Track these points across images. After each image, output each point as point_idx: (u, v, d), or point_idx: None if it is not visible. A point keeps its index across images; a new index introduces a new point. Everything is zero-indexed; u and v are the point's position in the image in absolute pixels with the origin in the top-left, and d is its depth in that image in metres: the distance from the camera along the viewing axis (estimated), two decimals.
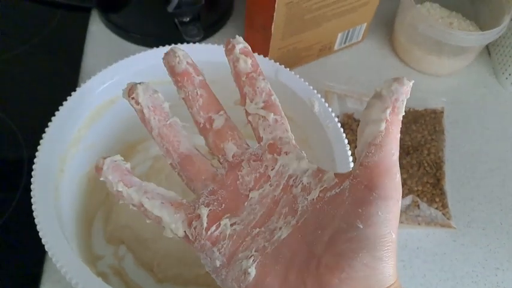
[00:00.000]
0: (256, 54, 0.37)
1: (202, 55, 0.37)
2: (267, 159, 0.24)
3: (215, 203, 0.24)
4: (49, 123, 0.31)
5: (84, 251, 0.36)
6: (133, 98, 0.24)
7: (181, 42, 0.37)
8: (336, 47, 0.53)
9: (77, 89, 0.33)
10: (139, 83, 0.24)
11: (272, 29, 0.45)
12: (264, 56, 0.37)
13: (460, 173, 0.47)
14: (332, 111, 0.34)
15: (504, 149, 0.49)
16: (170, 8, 0.45)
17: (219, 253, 0.22)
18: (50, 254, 0.27)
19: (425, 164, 0.45)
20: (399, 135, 0.21)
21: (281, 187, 0.23)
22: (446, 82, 0.54)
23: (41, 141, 0.30)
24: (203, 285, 0.37)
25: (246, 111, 0.25)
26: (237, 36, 0.25)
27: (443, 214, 0.42)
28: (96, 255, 0.38)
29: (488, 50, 0.57)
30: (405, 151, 0.46)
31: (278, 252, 0.21)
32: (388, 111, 0.20)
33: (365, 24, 0.52)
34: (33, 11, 0.54)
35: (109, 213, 0.39)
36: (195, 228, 0.23)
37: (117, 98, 0.35)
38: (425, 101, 0.50)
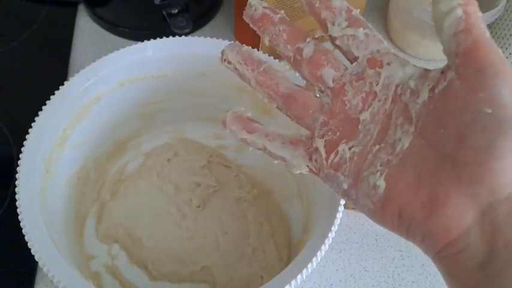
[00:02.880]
0: (244, 45, 0.36)
1: (192, 48, 0.36)
2: (370, 75, 0.23)
3: (329, 133, 0.24)
4: (32, 124, 0.30)
5: (76, 251, 0.36)
6: (225, 60, 0.26)
7: (169, 35, 0.36)
8: None
9: (60, 87, 0.32)
10: (226, 46, 0.26)
11: None
12: (256, 46, 0.36)
13: None
14: None
15: None
16: (157, 0, 0.44)
17: (344, 176, 0.23)
18: (36, 257, 0.26)
19: None
20: (480, 13, 0.20)
21: (390, 99, 0.23)
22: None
23: (24, 143, 0.30)
24: (199, 281, 0.37)
25: (331, 37, 0.24)
26: None
27: None
28: (89, 255, 0.37)
29: None
30: None
31: (404, 162, 0.21)
32: None
33: (358, 10, 0.51)
34: (19, 8, 0.53)
35: (101, 212, 0.39)
36: (315, 160, 0.24)
37: (102, 95, 0.34)
38: None
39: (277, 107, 0.26)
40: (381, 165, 0.22)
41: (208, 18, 0.52)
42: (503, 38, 0.52)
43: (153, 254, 0.37)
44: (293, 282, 0.26)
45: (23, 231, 0.27)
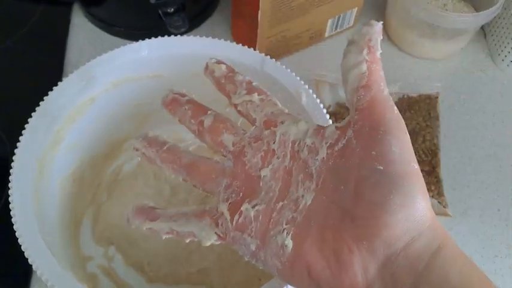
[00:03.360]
0: (240, 45, 0.36)
1: (188, 48, 0.36)
2: (266, 135, 0.25)
3: (233, 195, 0.24)
4: (25, 126, 0.30)
5: (72, 253, 0.35)
6: (135, 150, 0.27)
7: (165, 35, 0.36)
8: (326, 34, 0.52)
9: (53, 88, 0.31)
10: (135, 138, 0.28)
11: (259, 17, 0.43)
12: (253, 45, 0.36)
13: (456, 160, 0.46)
14: (323, 101, 0.33)
15: (501, 133, 0.48)
16: None
17: (251, 237, 0.23)
18: (30, 261, 0.26)
19: (420, 152, 0.44)
20: (383, 72, 0.22)
21: (288, 156, 0.24)
22: (441, 66, 0.52)
23: (17, 145, 0.29)
24: (195, 283, 0.37)
25: (235, 105, 0.26)
26: (210, 58, 0.28)
27: (439, 202, 0.42)
28: (85, 257, 0.37)
29: (483, 31, 0.55)
30: None
31: (308, 219, 0.22)
32: (364, 51, 0.21)
33: (356, 9, 0.51)
34: (14, 7, 0.52)
35: (97, 214, 0.39)
36: (222, 225, 0.24)
37: (97, 96, 0.34)
38: (419, 86, 0.48)
39: (183, 180, 0.26)
40: (286, 223, 0.22)
41: (204, 17, 0.52)
42: (501, 37, 0.51)
43: (150, 256, 0.37)
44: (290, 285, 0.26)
45: (16, 234, 0.27)
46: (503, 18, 0.51)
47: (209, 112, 0.27)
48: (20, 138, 0.30)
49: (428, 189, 0.42)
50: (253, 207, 0.23)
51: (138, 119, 0.40)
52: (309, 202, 0.22)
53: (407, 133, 0.21)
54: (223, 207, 0.24)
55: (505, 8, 0.50)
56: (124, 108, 0.37)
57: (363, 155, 0.20)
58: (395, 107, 0.21)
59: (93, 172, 0.39)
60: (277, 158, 0.24)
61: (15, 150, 0.29)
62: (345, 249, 0.20)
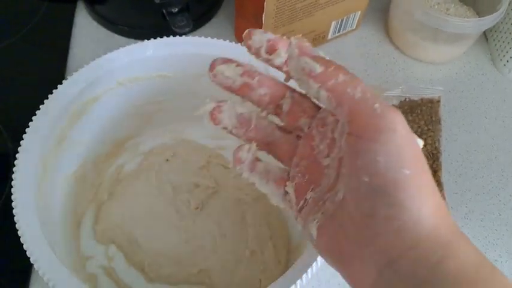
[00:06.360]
0: (245, 48, 0.36)
1: (192, 48, 0.36)
2: (330, 122, 0.23)
3: (299, 175, 0.24)
4: (29, 124, 0.30)
5: (72, 252, 0.35)
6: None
7: (169, 34, 0.36)
8: (329, 36, 0.52)
9: (58, 86, 0.31)
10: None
11: (263, 18, 0.43)
12: None
13: (458, 164, 0.46)
14: None
15: (503, 138, 0.48)
16: None
17: (301, 218, 0.23)
18: (31, 260, 0.26)
19: None
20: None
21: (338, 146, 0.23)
22: (443, 70, 0.53)
23: (21, 142, 0.29)
24: (195, 284, 0.37)
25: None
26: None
27: None
28: (85, 256, 0.37)
29: (485, 35, 0.55)
30: None
31: (334, 214, 0.21)
32: None
33: (359, 12, 0.51)
34: (18, 4, 0.52)
35: (98, 213, 0.39)
36: (289, 201, 0.25)
37: (101, 95, 0.34)
38: (421, 90, 0.48)
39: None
40: (322, 213, 0.22)
41: (208, 17, 0.52)
42: (503, 42, 0.51)
43: (150, 256, 0.37)
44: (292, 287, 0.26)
45: (18, 232, 0.27)
46: (506, 24, 0.51)
47: (287, 95, 0.25)
48: (24, 136, 0.30)
49: None
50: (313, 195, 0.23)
51: (141, 119, 0.40)
52: (341, 197, 0.21)
53: (399, 131, 0.19)
54: (290, 189, 0.24)
55: (508, 14, 0.50)
56: (127, 107, 0.37)
57: (351, 164, 0.20)
58: (378, 103, 0.19)
59: (95, 171, 0.39)
60: (336, 147, 0.22)
61: (19, 148, 0.29)
62: (347, 253, 0.21)
